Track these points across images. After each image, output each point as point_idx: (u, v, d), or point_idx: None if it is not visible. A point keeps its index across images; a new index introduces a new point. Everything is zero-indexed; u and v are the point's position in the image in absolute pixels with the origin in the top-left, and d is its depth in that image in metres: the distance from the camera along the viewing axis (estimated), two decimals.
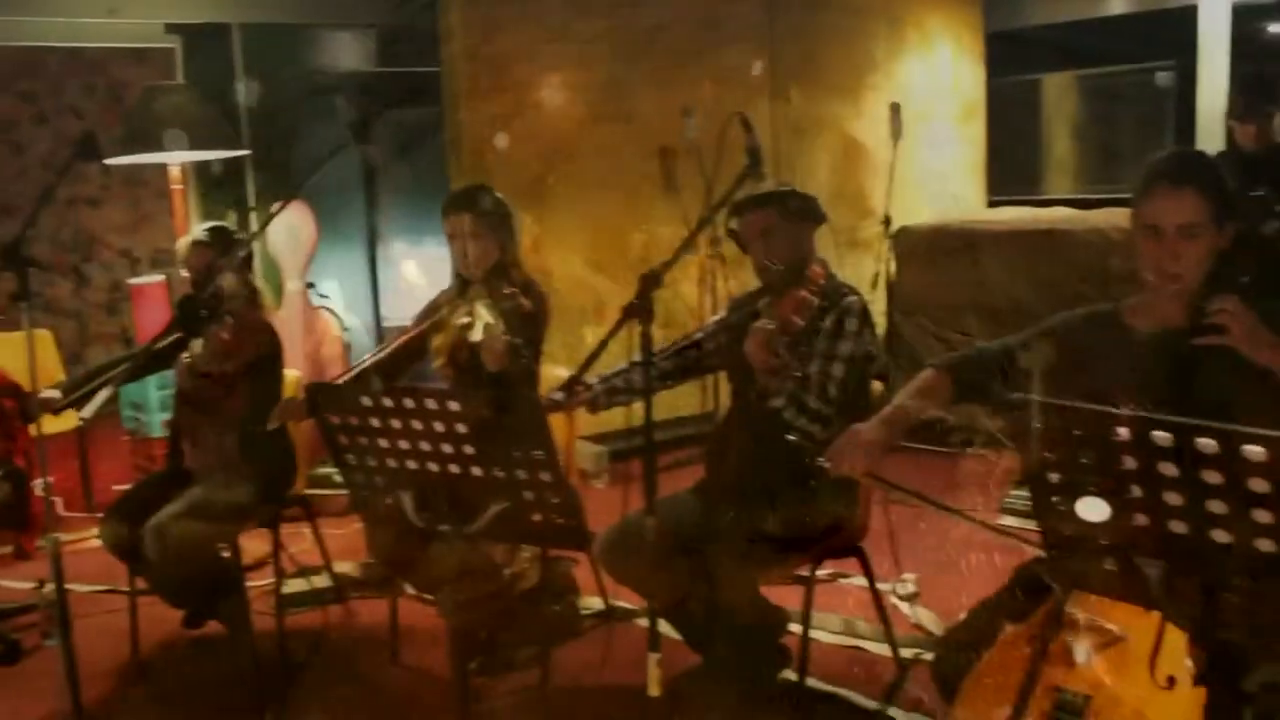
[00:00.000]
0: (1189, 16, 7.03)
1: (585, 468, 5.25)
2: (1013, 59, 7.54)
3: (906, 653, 3.36)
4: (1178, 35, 7.11)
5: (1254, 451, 1.25)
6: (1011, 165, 7.74)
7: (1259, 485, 1.27)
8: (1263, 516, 1.29)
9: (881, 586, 3.76)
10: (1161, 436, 1.31)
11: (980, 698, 2.04)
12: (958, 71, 7.10)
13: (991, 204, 7.19)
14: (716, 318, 3.39)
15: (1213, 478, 1.30)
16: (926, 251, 5.63)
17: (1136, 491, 1.38)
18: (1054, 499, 1.47)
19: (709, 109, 5.57)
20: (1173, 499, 1.36)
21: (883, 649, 3.40)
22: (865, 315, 3.00)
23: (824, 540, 3.01)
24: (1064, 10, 7.49)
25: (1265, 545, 1.31)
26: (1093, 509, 1.27)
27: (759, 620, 2.98)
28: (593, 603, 3.80)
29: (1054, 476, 1.45)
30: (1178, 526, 1.38)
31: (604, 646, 3.54)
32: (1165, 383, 2.19)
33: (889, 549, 3.81)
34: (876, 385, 3.14)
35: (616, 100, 5.67)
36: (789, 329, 2.92)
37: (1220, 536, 1.35)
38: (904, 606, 3.77)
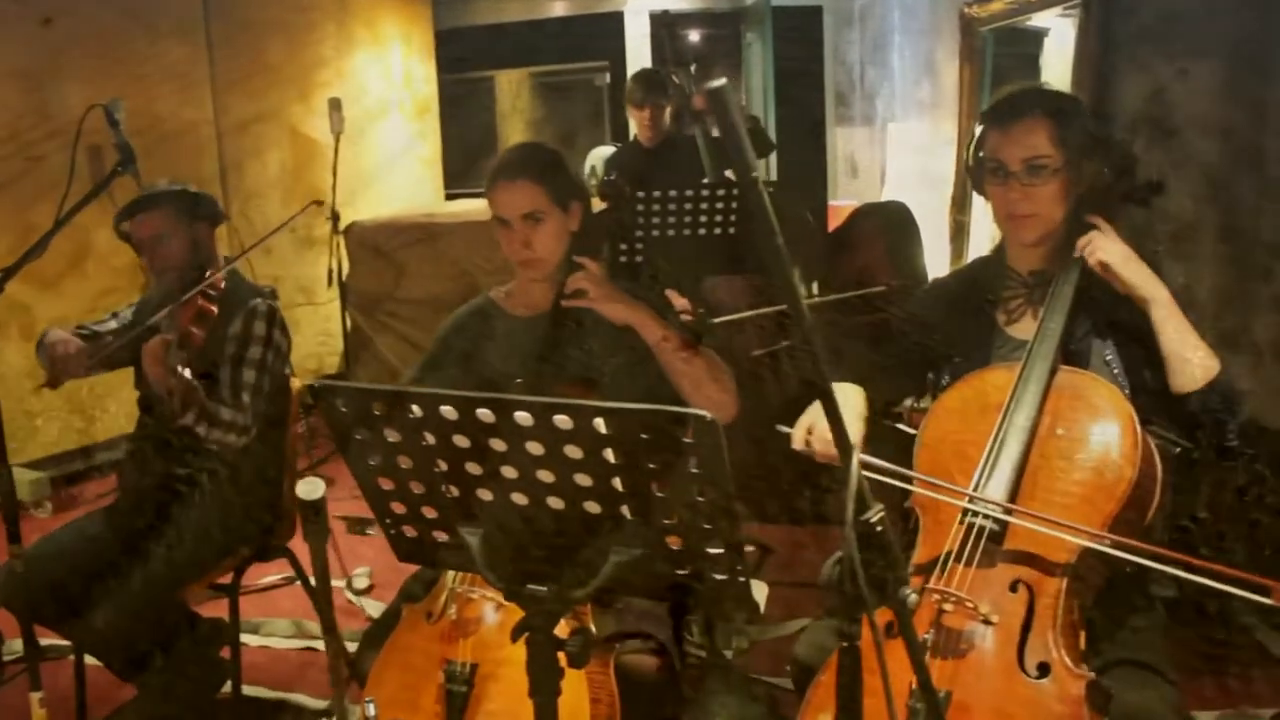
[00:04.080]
0: (618, 21, 7.62)
1: (23, 498, 4.78)
2: (465, 56, 7.77)
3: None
4: (611, 38, 7.70)
5: (523, 417, 1.36)
6: (468, 159, 7.98)
7: (535, 448, 1.38)
8: (546, 476, 1.41)
9: (334, 584, 3.79)
10: (447, 410, 1.39)
11: (388, 677, 2.12)
12: (409, 68, 7.20)
13: (449, 197, 7.36)
14: (129, 308, 3.15)
15: (498, 445, 1.40)
16: (378, 246, 5.61)
17: (443, 465, 1.46)
18: (378, 480, 1.52)
19: (143, 106, 5.26)
20: (473, 468, 1.44)
21: None
22: (273, 317, 2.94)
23: (240, 547, 2.96)
24: (509, 10, 7.84)
25: (555, 503, 1.43)
26: (310, 489, 1.32)
27: (185, 637, 2.85)
28: (16, 646, 3.48)
29: (371, 458, 1.49)
30: (483, 494, 1.47)
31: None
32: (543, 361, 2.36)
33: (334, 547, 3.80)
34: (295, 383, 3.09)
35: (36, 95, 5.17)
36: (189, 341, 2.74)
37: (519, 499, 1.45)
38: (358, 600, 3.78)
